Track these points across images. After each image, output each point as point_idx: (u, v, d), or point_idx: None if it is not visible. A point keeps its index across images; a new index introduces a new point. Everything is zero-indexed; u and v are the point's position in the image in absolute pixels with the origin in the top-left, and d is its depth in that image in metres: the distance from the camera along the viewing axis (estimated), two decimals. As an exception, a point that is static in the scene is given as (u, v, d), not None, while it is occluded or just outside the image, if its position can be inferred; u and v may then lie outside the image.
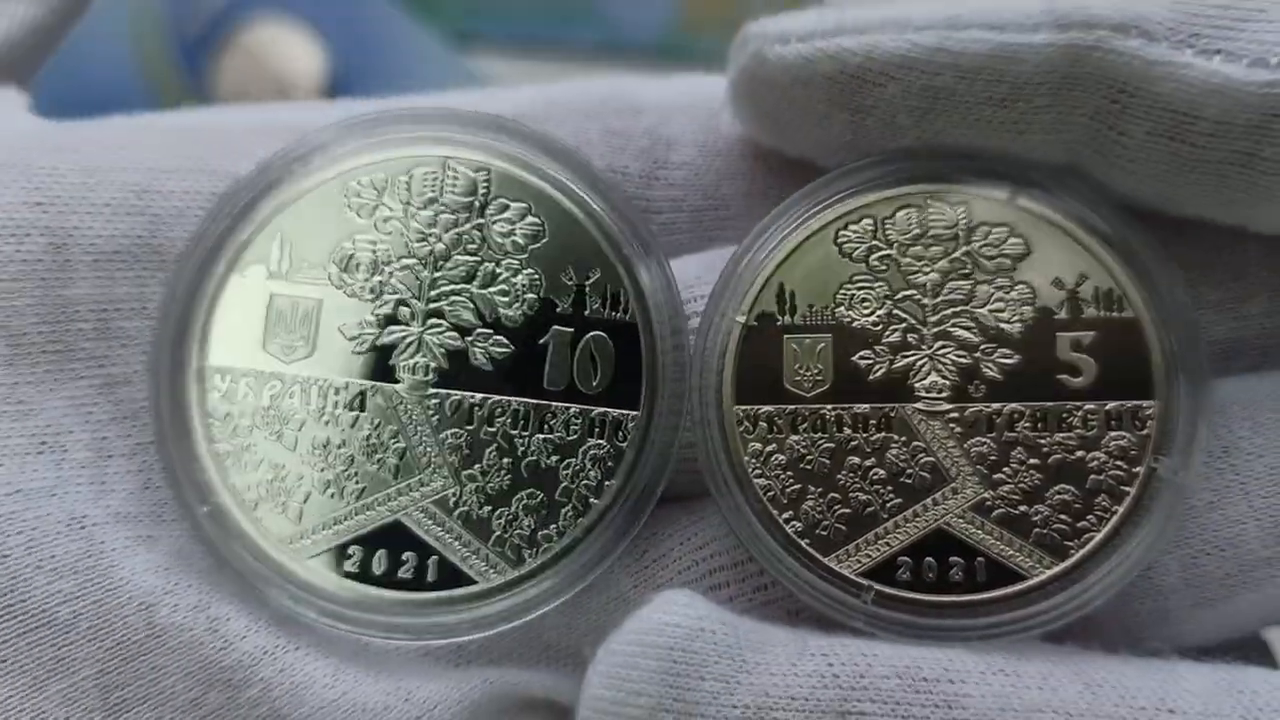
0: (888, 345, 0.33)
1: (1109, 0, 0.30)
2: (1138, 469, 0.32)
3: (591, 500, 0.33)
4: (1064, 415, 0.32)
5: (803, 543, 0.32)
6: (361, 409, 0.33)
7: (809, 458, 0.33)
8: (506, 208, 0.34)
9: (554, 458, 0.33)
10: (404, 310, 0.34)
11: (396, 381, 0.34)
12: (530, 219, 0.34)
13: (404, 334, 0.34)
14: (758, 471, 0.33)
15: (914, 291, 0.33)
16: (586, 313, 0.34)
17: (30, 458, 0.33)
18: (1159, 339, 0.32)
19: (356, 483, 0.33)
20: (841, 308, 0.33)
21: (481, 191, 0.34)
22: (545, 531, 0.33)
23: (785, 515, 0.33)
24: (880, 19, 0.32)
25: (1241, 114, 0.29)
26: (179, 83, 0.95)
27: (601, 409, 0.33)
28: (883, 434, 0.32)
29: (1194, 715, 0.29)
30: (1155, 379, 0.32)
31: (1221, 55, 0.29)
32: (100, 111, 0.38)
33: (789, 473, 0.33)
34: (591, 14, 1.09)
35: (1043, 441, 0.32)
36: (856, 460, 0.32)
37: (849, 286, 0.33)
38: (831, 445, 0.33)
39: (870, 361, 0.33)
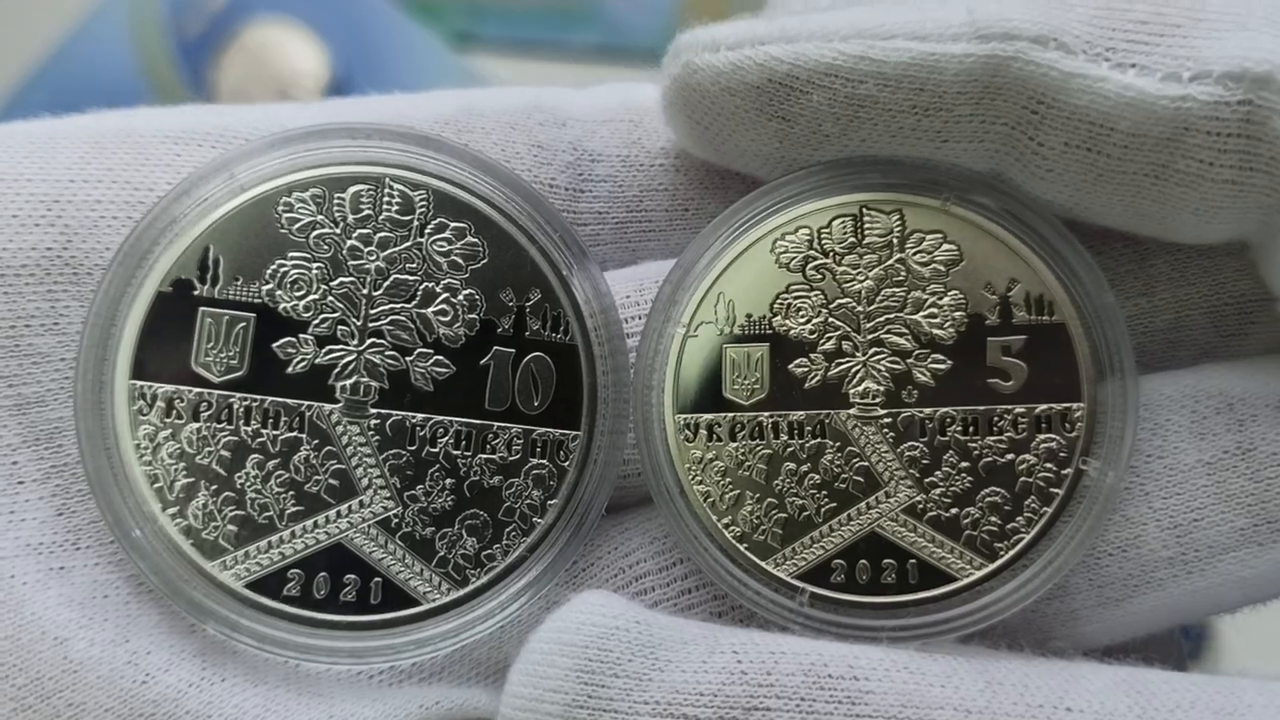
0: (823, 353, 0.34)
1: (1029, 12, 0.31)
2: (1066, 470, 0.33)
3: (535, 520, 0.34)
4: (994, 419, 0.33)
5: (741, 547, 0.33)
6: (300, 430, 0.33)
7: (747, 464, 0.33)
8: (445, 227, 0.34)
9: (497, 478, 0.33)
10: (342, 329, 0.33)
11: (335, 402, 0.33)
12: (469, 239, 0.34)
13: (343, 354, 0.33)
14: (697, 479, 0.33)
15: (849, 300, 0.34)
16: (527, 334, 0.34)
17: None
18: (1087, 342, 0.33)
19: (295, 504, 0.33)
20: (778, 317, 0.34)
21: (420, 210, 0.34)
22: (489, 551, 0.33)
23: (724, 520, 0.33)
24: (807, 28, 0.32)
25: (1155, 127, 0.30)
26: (179, 83, 0.95)
27: (543, 429, 0.34)
28: (818, 440, 0.33)
29: (1090, 714, 0.30)
30: (1083, 382, 0.33)
31: (1136, 69, 0.30)
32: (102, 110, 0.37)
33: (728, 479, 0.33)
34: (591, 16, 1.09)
35: (973, 445, 0.33)
36: (793, 466, 0.33)
37: (785, 296, 0.34)
38: (769, 452, 0.33)
39: (806, 369, 0.34)
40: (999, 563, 0.33)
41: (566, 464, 0.34)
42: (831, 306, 0.34)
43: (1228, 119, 0.30)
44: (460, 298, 0.34)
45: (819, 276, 0.34)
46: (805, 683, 0.31)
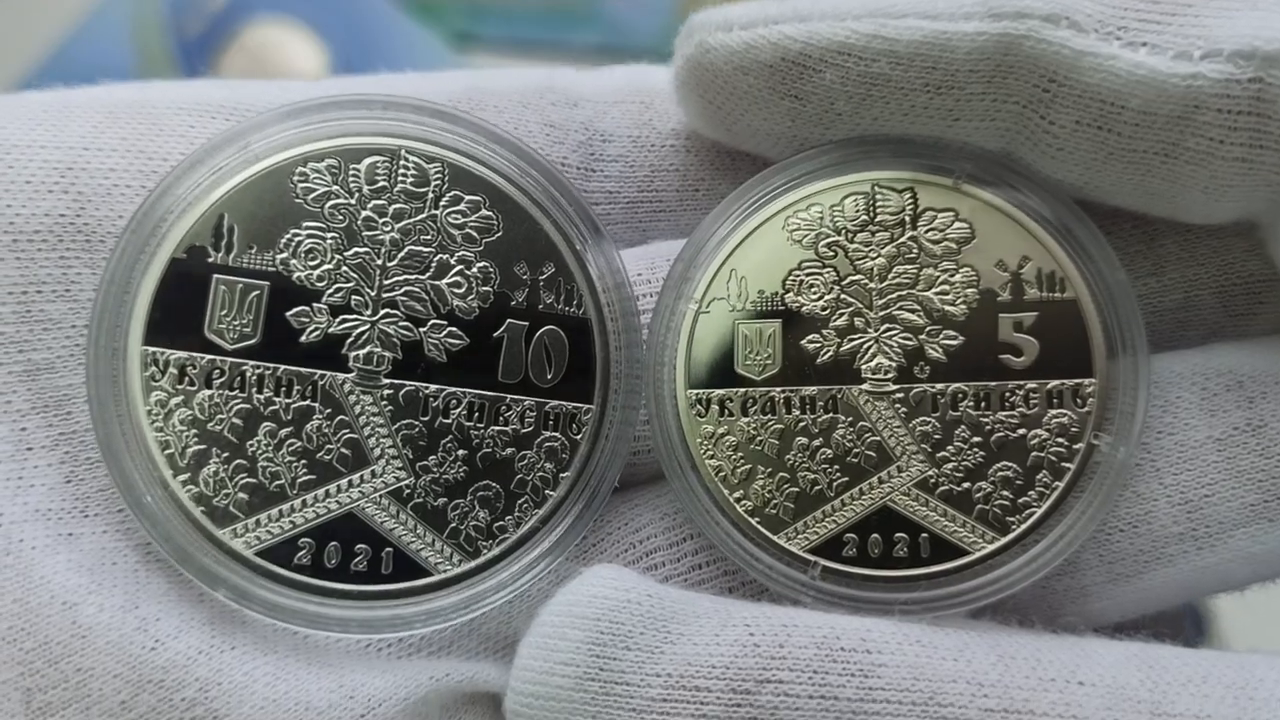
0: (835, 329, 0.34)
1: None
2: (1078, 445, 0.33)
3: (546, 492, 0.34)
4: (1006, 394, 0.33)
5: (753, 521, 0.33)
6: (312, 399, 0.33)
7: (759, 439, 0.34)
8: (460, 200, 0.34)
9: (509, 450, 0.33)
10: (356, 299, 0.33)
11: (348, 371, 0.33)
12: (484, 212, 0.34)
13: (356, 323, 0.33)
14: (709, 453, 0.34)
15: (861, 276, 0.34)
16: (540, 307, 0.34)
17: None
18: (1098, 318, 0.34)
19: (307, 473, 0.33)
20: (790, 293, 0.34)
21: (435, 183, 0.34)
22: (500, 523, 0.33)
23: (736, 495, 0.33)
24: (820, 8, 0.33)
25: (1165, 105, 0.31)
26: None
27: (556, 402, 0.34)
28: (830, 415, 0.34)
29: (1102, 688, 0.30)
30: (1095, 357, 0.34)
31: (1147, 48, 0.31)
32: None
33: (739, 454, 0.34)
34: (591, 16, 1.09)
35: (985, 420, 0.33)
36: (805, 441, 0.34)
37: (798, 273, 0.34)
38: (780, 427, 0.34)
39: (818, 345, 0.34)
40: (1010, 536, 0.33)
41: (579, 437, 0.34)
42: (844, 283, 0.34)
43: (1238, 97, 0.30)
44: (474, 270, 0.34)
45: (831, 254, 0.34)
46: (818, 655, 0.31)
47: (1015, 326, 0.34)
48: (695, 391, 0.34)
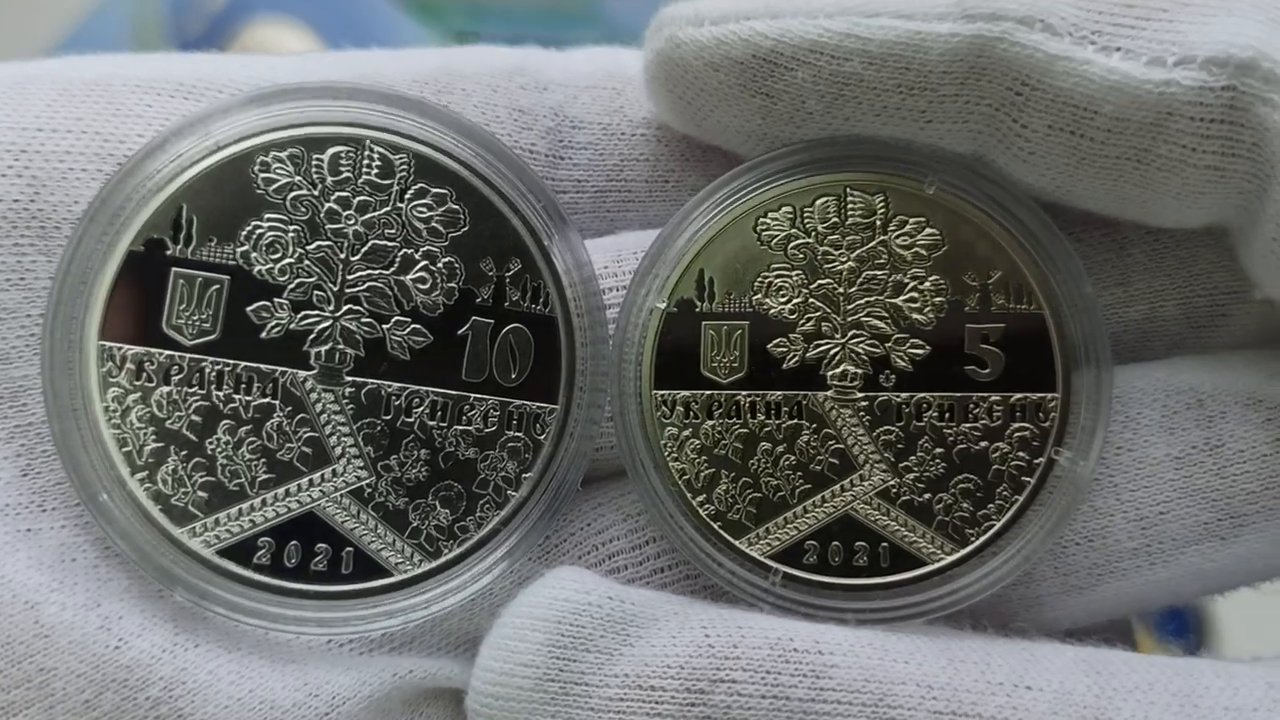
0: (802, 334, 0.34)
1: None
2: (1039, 460, 0.33)
3: (509, 492, 0.33)
4: (970, 406, 0.33)
5: (715, 525, 0.33)
6: (273, 396, 0.33)
7: (723, 443, 0.34)
8: (426, 193, 0.33)
9: (472, 450, 0.33)
10: (318, 294, 0.33)
11: (310, 369, 0.33)
12: (450, 206, 0.33)
13: (318, 319, 0.33)
14: (673, 455, 0.33)
15: (830, 280, 0.34)
16: (506, 304, 0.33)
17: None
18: (1064, 333, 0.34)
19: (267, 472, 0.33)
20: (759, 295, 0.34)
21: (400, 175, 0.33)
22: (462, 523, 0.33)
23: (699, 499, 0.33)
24: (792, 5, 0.32)
25: (1138, 111, 0.30)
26: None
27: (520, 402, 0.33)
28: (794, 421, 0.34)
29: (1049, 693, 0.31)
30: (1058, 372, 0.33)
31: (1121, 52, 0.30)
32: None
33: (703, 457, 0.33)
34: (591, 16, 1.09)
35: (949, 431, 0.33)
36: (768, 446, 0.34)
37: (767, 274, 0.34)
38: (745, 431, 0.33)
39: (785, 349, 0.34)
40: (969, 549, 0.33)
41: (542, 437, 0.33)
42: (812, 287, 0.34)
43: (1211, 104, 0.30)
44: (439, 265, 0.33)
45: (801, 256, 0.34)
46: (770, 656, 0.31)
47: (982, 339, 0.34)
48: (660, 392, 0.34)
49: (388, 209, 0.33)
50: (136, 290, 0.32)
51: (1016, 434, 0.33)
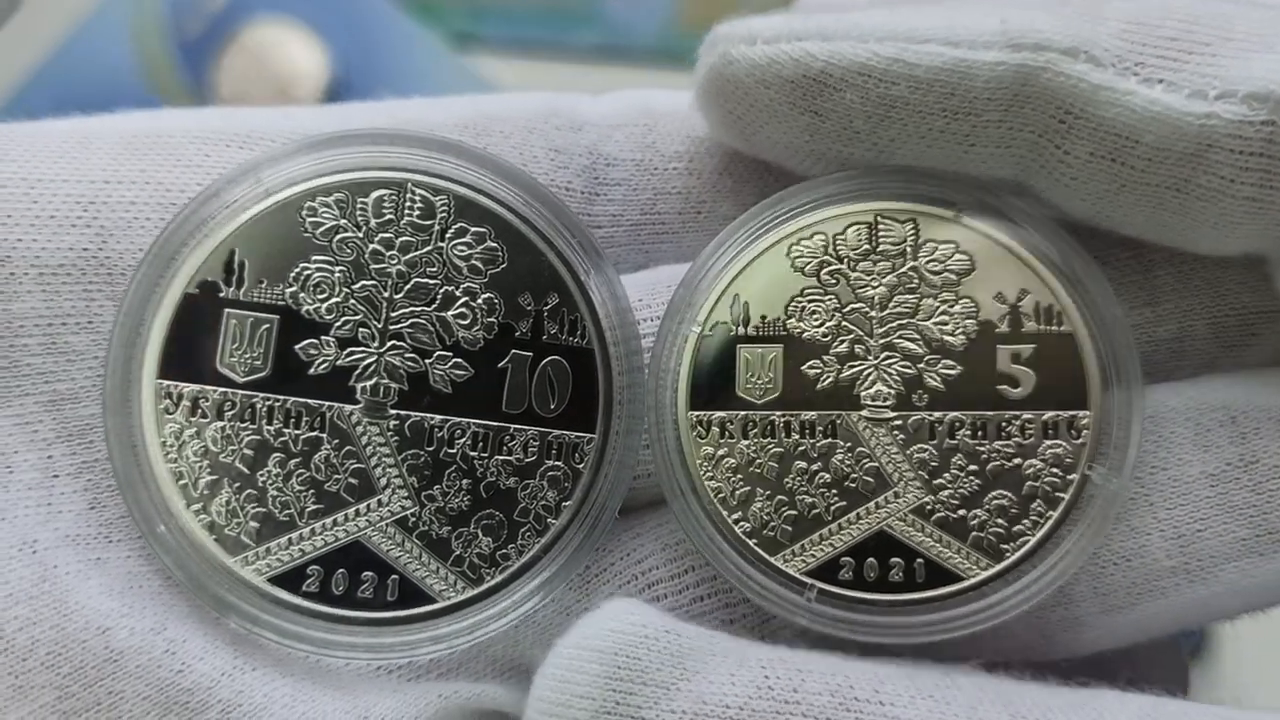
0: (835, 355, 0.34)
1: (1061, 24, 0.31)
2: (1072, 476, 0.34)
3: (549, 520, 0.34)
4: (1003, 424, 0.34)
5: (751, 542, 0.34)
6: (321, 430, 0.34)
7: (758, 462, 0.34)
8: (466, 232, 0.35)
9: (512, 479, 0.34)
10: (363, 332, 0.34)
11: (355, 403, 0.34)
12: (490, 244, 0.35)
13: (364, 355, 0.34)
14: (709, 474, 0.34)
15: (862, 304, 0.35)
16: (544, 337, 0.34)
17: None
18: (1094, 352, 0.34)
19: (316, 503, 0.34)
20: (792, 319, 0.35)
21: (441, 215, 0.35)
22: (504, 551, 0.34)
23: (734, 516, 0.34)
24: (843, 27, 0.33)
25: (1179, 142, 0.31)
26: (179, 83, 0.95)
27: (559, 431, 0.34)
28: (828, 440, 0.34)
29: None
30: (1090, 390, 0.34)
31: (1163, 85, 0.31)
32: (102, 111, 0.38)
33: (739, 476, 0.34)
34: (591, 16, 1.09)
35: (982, 449, 0.34)
36: (804, 465, 0.34)
37: (800, 299, 0.35)
38: (780, 450, 0.34)
39: (819, 371, 0.34)
40: (1004, 564, 0.34)
41: (581, 466, 0.34)
42: (845, 310, 0.34)
43: (1250, 138, 0.30)
44: (479, 301, 0.34)
45: (833, 281, 0.35)
46: (831, 703, 0.31)
47: (1013, 358, 0.34)
48: (696, 413, 0.34)
49: (429, 248, 0.34)
50: (192, 331, 0.34)
51: (1050, 451, 0.34)
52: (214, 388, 0.34)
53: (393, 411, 0.34)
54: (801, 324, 0.35)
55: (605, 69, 1.10)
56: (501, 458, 0.34)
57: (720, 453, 0.34)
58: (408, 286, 0.34)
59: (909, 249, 0.35)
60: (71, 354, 0.34)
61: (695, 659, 0.32)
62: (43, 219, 0.34)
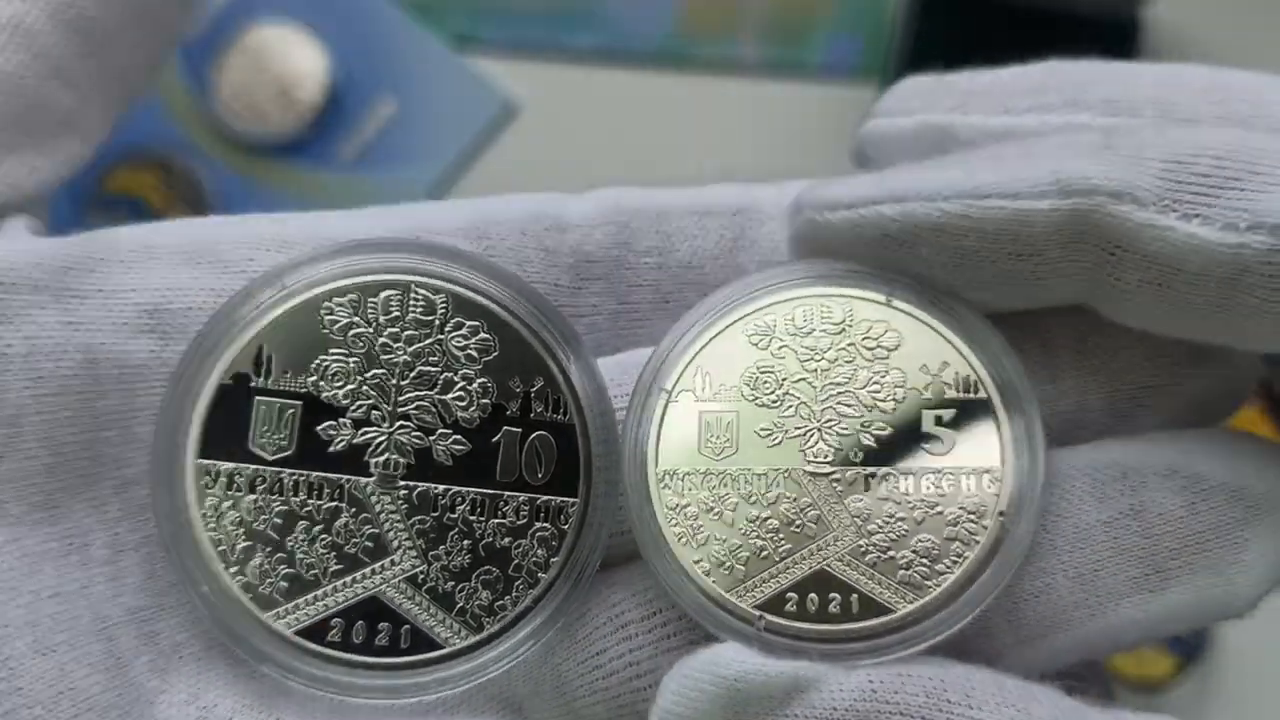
0: (782, 416, 0.40)
1: (1107, 170, 0.35)
2: (986, 522, 0.38)
3: (539, 575, 0.39)
4: (928, 475, 0.39)
5: (709, 579, 0.39)
6: (340, 500, 0.39)
7: (714, 509, 0.39)
8: (462, 326, 0.40)
9: (507, 539, 0.39)
10: (375, 414, 0.39)
11: (370, 475, 0.39)
12: (483, 335, 0.40)
13: (376, 434, 0.39)
14: (674, 521, 0.39)
15: (808, 375, 0.40)
16: (532, 415, 0.40)
17: (63, 560, 0.38)
18: (1006, 415, 0.39)
19: (337, 563, 0.39)
20: (747, 387, 0.40)
21: (440, 311, 0.40)
22: (501, 602, 0.39)
23: (695, 557, 0.39)
24: (914, 188, 0.37)
25: (1216, 269, 0.34)
26: (180, 84, 0.96)
27: (546, 497, 0.39)
28: (772, 491, 0.39)
29: None
30: (1003, 449, 0.39)
31: (1199, 219, 0.34)
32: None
33: (698, 521, 0.39)
34: (591, 19, 1.09)
35: (911, 499, 0.39)
36: (751, 511, 0.39)
37: (752, 370, 0.40)
38: (733, 499, 0.39)
39: (769, 432, 0.40)
40: (929, 598, 0.38)
41: (566, 526, 0.39)
42: (793, 379, 0.40)
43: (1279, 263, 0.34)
44: (475, 385, 0.40)
45: (781, 355, 0.40)
46: (927, 704, 0.35)
47: (936, 421, 0.39)
48: (663, 468, 0.40)
49: (431, 340, 0.40)
50: (227, 416, 0.39)
51: (969, 500, 0.39)
52: (247, 465, 0.39)
53: (402, 483, 0.39)
54: (755, 392, 0.40)
55: (605, 70, 1.10)
56: (497, 521, 0.39)
57: (684, 502, 0.39)
58: (413, 374, 0.40)
59: (847, 326, 0.40)
60: (137, 443, 0.40)
61: (805, 681, 0.36)
62: (118, 325, 0.39)
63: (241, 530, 0.39)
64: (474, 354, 0.40)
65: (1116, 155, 0.36)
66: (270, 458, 0.39)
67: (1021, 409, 0.39)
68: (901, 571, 0.39)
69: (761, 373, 0.40)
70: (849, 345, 0.40)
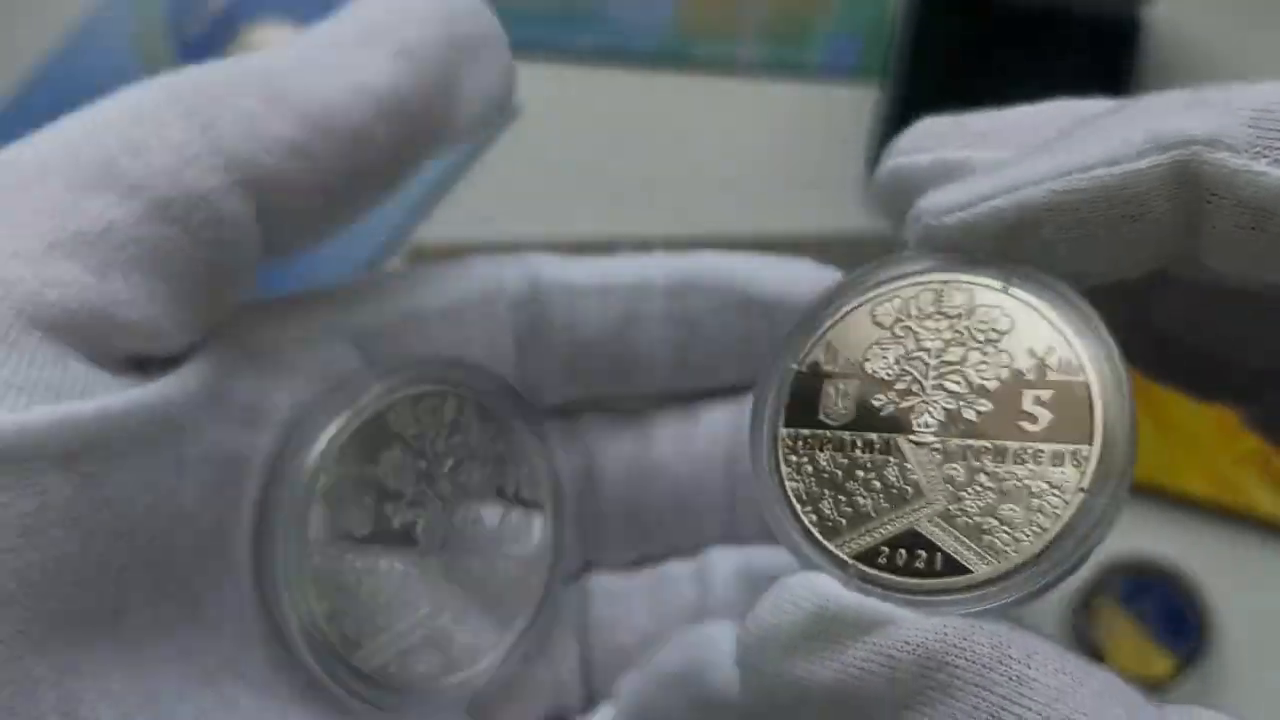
0: (896, 391, 0.43)
1: (1198, 120, 0.36)
2: (1068, 497, 0.39)
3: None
4: (1020, 453, 0.41)
5: (815, 532, 0.43)
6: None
7: (827, 469, 0.44)
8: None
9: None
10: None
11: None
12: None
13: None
14: (792, 478, 0.44)
15: (923, 354, 0.43)
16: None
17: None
18: (1101, 399, 0.40)
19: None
20: (868, 362, 0.44)
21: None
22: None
23: (806, 509, 0.43)
24: (1023, 176, 0.39)
25: None
26: None
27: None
28: (883, 456, 0.43)
29: None
30: (1094, 431, 0.40)
31: None
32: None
33: (812, 478, 0.44)
34: (593, 19, 1.12)
35: (1000, 471, 0.40)
36: (860, 474, 0.43)
37: (875, 347, 0.44)
38: (845, 461, 0.43)
39: (882, 403, 0.44)
40: (1009, 563, 0.40)
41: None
42: (908, 357, 0.44)
43: None
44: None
45: (903, 334, 0.44)
46: (990, 654, 0.36)
47: (1035, 400, 0.41)
48: (787, 430, 0.45)
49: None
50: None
51: (1055, 475, 0.39)
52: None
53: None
54: (873, 365, 0.44)
55: (606, 71, 1.15)
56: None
57: (802, 461, 0.44)
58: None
59: (964, 312, 0.43)
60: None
61: (890, 613, 0.39)
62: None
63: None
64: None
65: (1207, 108, 0.36)
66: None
67: (1116, 392, 0.40)
68: (985, 537, 0.40)
69: (882, 349, 0.44)
70: (965, 328, 0.43)
